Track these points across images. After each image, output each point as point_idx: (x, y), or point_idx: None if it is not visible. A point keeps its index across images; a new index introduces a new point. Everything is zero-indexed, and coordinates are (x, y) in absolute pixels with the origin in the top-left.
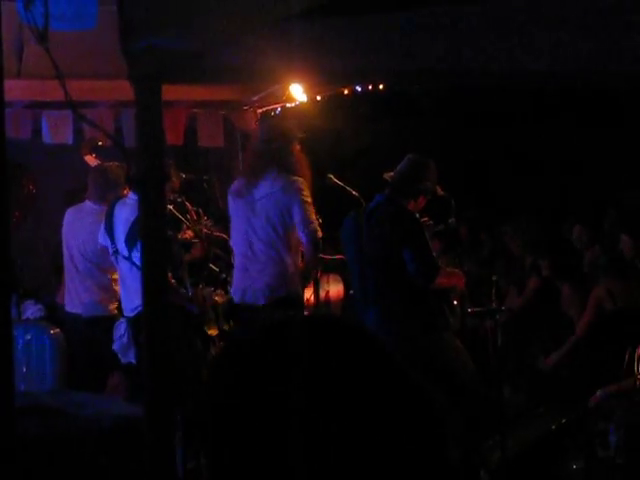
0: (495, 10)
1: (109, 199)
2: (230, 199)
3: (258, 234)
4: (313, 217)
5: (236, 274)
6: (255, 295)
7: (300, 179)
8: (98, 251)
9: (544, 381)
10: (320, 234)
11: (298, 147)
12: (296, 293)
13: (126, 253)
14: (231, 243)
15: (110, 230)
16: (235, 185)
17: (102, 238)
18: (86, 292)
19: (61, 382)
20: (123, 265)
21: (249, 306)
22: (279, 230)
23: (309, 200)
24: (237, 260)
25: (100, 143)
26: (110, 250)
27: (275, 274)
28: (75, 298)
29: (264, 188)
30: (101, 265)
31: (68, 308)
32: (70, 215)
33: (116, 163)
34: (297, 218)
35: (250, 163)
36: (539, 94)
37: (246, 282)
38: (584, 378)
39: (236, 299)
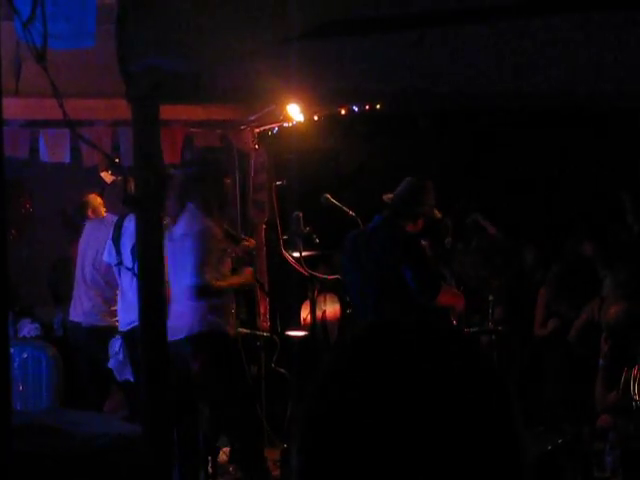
0: (494, 31)
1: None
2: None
3: (172, 274)
4: (203, 268)
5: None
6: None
7: (209, 225)
8: (105, 263)
9: (541, 401)
10: (204, 284)
11: (226, 183)
12: (214, 328)
13: (130, 264)
14: None
15: (117, 241)
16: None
17: (107, 256)
18: (89, 301)
19: (57, 400)
20: (125, 277)
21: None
22: (188, 272)
23: (206, 248)
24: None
25: (117, 160)
26: (114, 262)
27: (191, 315)
28: (78, 307)
29: (179, 228)
30: (108, 278)
31: (71, 317)
32: (90, 226)
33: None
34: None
35: (172, 196)
36: (539, 115)
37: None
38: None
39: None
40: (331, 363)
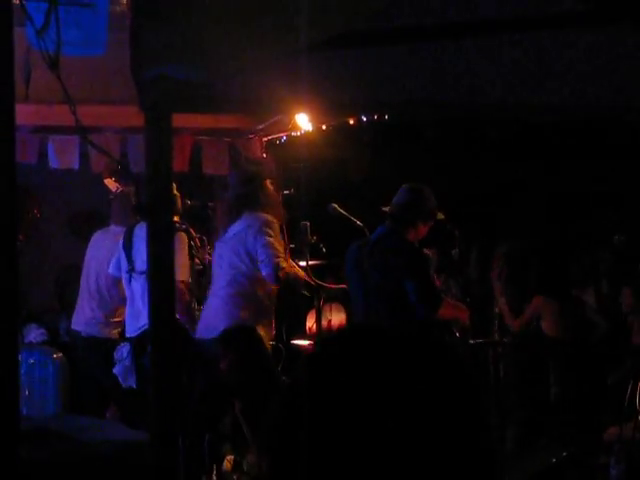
0: (503, 43)
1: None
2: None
3: (224, 271)
4: (276, 252)
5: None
6: (209, 330)
7: (267, 216)
8: (111, 276)
9: (546, 413)
10: (282, 267)
11: (270, 186)
12: (245, 325)
13: (144, 267)
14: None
15: (129, 248)
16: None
17: (113, 268)
18: (90, 312)
19: (64, 406)
20: (136, 284)
21: (205, 340)
22: (242, 267)
23: (271, 238)
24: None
25: (124, 166)
26: (125, 269)
27: (232, 311)
28: (80, 316)
29: (233, 229)
30: (111, 290)
31: (73, 326)
32: (96, 237)
33: None
34: (260, 256)
35: (224, 211)
36: (547, 127)
37: (206, 319)
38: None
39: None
40: (300, 370)
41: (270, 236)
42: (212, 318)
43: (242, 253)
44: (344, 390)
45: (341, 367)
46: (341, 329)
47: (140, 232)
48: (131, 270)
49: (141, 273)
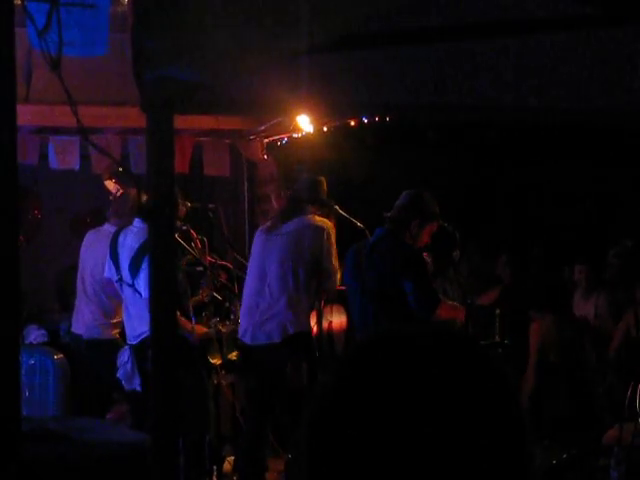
0: (506, 46)
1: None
2: (256, 236)
3: (272, 270)
4: (336, 265)
5: (243, 311)
6: (268, 334)
7: (330, 225)
8: (107, 278)
9: (547, 415)
10: (338, 284)
11: (333, 219)
12: (307, 330)
13: (130, 280)
14: (245, 281)
15: (115, 257)
16: (266, 224)
17: (107, 272)
18: (90, 314)
19: (64, 407)
20: (127, 292)
21: (262, 345)
22: (294, 265)
23: (334, 247)
24: (246, 298)
25: (121, 169)
26: (115, 278)
27: (286, 312)
28: (80, 319)
29: (292, 225)
30: (108, 291)
31: (73, 329)
32: (89, 237)
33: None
34: (324, 265)
35: (285, 206)
36: (547, 130)
37: (256, 321)
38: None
39: (247, 339)
40: (337, 370)
41: (332, 246)
42: (270, 324)
43: (296, 252)
44: (382, 392)
45: (379, 370)
46: (379, 331)
47: (124, 240)
48: (120, 280)
49: (129, 285)
